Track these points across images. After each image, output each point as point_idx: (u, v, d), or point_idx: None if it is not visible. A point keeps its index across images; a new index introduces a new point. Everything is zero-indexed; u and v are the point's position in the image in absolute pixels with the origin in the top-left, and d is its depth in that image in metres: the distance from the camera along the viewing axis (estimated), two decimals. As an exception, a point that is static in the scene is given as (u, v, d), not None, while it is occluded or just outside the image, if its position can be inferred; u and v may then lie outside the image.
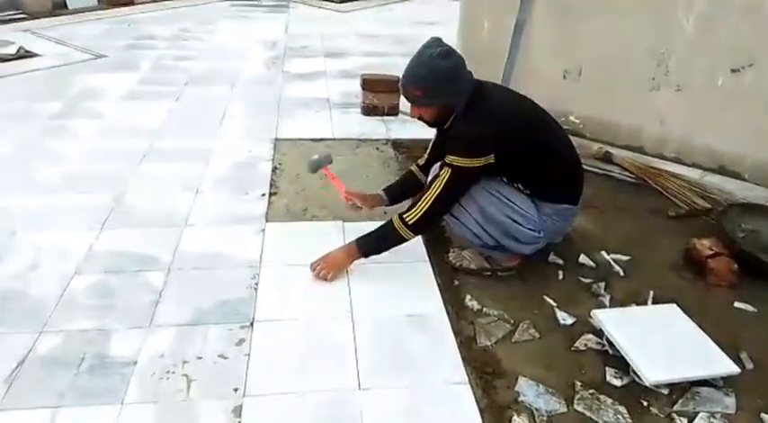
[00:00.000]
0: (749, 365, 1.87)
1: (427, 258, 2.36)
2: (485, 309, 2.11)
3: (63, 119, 3.68)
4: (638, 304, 2.14)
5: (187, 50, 5.24)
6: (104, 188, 2.84)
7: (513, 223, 2.12)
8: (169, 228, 2.54)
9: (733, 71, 2.86)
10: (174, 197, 2.79)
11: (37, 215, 2.61)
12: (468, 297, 2.17)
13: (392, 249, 2.19)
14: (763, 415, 1.69)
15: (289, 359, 1.86)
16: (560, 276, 2.30)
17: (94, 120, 3.67)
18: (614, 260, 2.39)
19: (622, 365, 1.83)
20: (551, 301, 2.15)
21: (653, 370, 1.75)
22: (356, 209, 2.49)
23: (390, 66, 4.53)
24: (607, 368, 1.84)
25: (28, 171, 3.01)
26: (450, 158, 2.03)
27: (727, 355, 1.82)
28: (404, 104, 3.85)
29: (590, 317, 2.01)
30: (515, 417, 1.66)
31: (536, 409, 1.69)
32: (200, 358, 1.85)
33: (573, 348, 1.94)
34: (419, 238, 2.36)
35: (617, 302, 2.15)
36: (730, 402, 1.73)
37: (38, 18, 6.16)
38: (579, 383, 1.79)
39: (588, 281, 2.27)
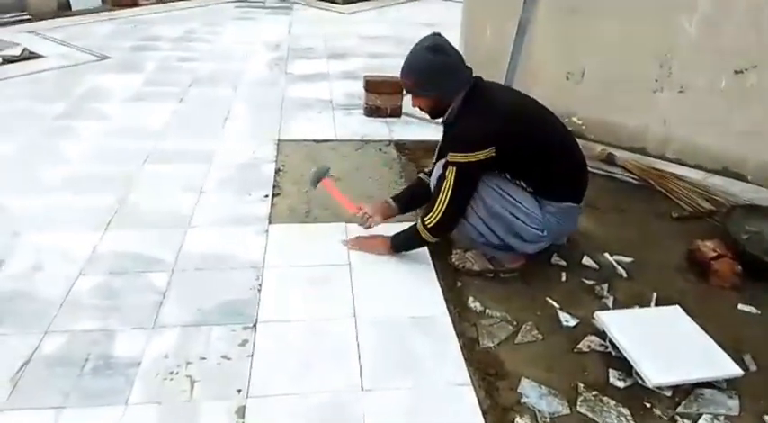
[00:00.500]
0: (752, 367, 1.87)
1: (430, 260, 2.36)
2: (488, 310, 2.11)
3: (67, 120, 3.69)
4: (641, 306, 2.14)
5: (191, 52, 5.25)
6: (108, 189, 2.85)
7: (516, 220, 2.13)
8: (173, 229, 2.55)
9: (736, 73, 2.85)
10: (177, 198, 2.80)
11: (41, 216, 2.62)
12: (471, 298, 2.17)
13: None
14: (766, 417, 1.69)
15: (291, 360, 1.86)
16: (563, 278, 2.30)
17: (99, 121, 3.68)
18: (617, 262, 2.39)
19: (625, 367, 1.83)
20: (554, 303, 2.15)
21: (656, 372, 1.75)
22: (368, 220, 2.40)
23: (393, 67, 4.49)
24: (610, 370, 1.84)
25: (32, 172, 3.02)
26: (451, 156, 2.06)
27: (731, 357, 1.81)
28: (407, 106, 3.86)
29: (593, 318, 2.01)
30: (518, 418, 1.67)
31: (539, 411, 1.69)
32: (204, 359, 1.85)
33: (576, 350, 1.94)
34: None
35: (620, 304, 2.15)
36: (733, 404, 1.72)
37: (43, 19, 6.17)
38: (582, 385, 1.79)
39: (591, 282, 2.26)
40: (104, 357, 1.85)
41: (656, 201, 2.87)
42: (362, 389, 1.76)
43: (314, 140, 3.51)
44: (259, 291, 2.17)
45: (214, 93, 4.27)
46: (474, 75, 2.15)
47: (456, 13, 4.19)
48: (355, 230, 2.49)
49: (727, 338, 1.92)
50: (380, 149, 3.43)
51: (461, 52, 2.16)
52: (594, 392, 1.76)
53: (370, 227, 2.42)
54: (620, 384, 1.79)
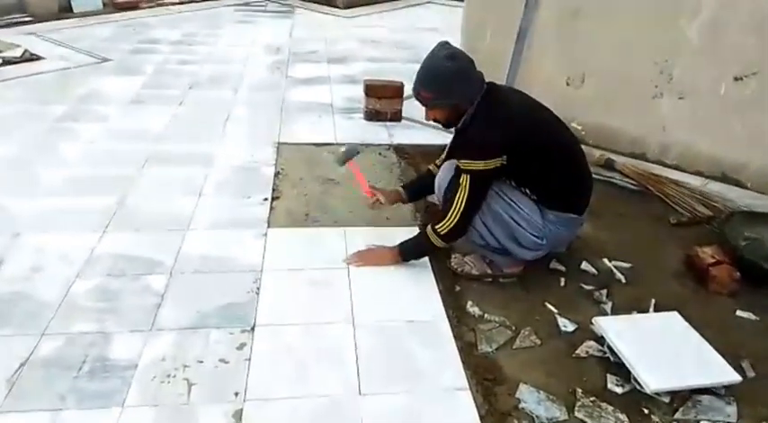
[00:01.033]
0: (750, 374, 1.87)
1: (429, 264, 2.36)
2: (486, 315, 2.11)
3: (67, 122, 3.69)
4: (639, 312, 2.14)
5: (192, 55, 5.26)
6: (107, 191, 2.85)
7: (517, 226, 2.13)
8: (171, 231, 2.55)
9: (736, 80, 2.86)
10: (176, 201, 2.80)
11: (40, 217, 2.62)
12: (470, 303, 2.17)
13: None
14: (764, 424, 1.69)
15: (289, 364, 1.86)
16: (562, 283, 2.30)
17: (98, 123, 3.68)
18: (616, 267, 2.39)
19: (623, 373, 1.82)
20: (553, 308, 2.15)
21: (654, 378, 1.74)
22: (376, 204, 2.50)
23: (394, 71, 4.55)
24: (608, 375, 1.84)
25: (32, 173, 3.02)
26: (464, 164, 2.06)
27: (729, 363, 1.81)
28: (406, 111, 3.87)
29: (591, 324, 2.01)
30: (516, 423, 1.66)
31: (537, 416, 1.69)
32: (201, 362, 1.85)
33: (574, 355, 1.94)
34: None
35: (618, 310, 2.15)
36: (732, 411, 1.72)
37: (43, 21, 6.17)
38: (580, 390, 1.79)
39: (590, 288, 2.26)
40: (101, 360, 1.85)
41: (655, 206, 2.88)
42: (360, 393, 1.76)
43: (314, 144, 3.51)
44: (257, 294, 2.17)
45: (214, 96, 4.27)
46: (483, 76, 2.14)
47: (456, 17, 4.20)
48: (352, 240, 2.49)
49: (726, 345, 1.91)
50: (380, 153, 3.43)
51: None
52: (592, 398, 1.76)
53: (373, 207, 2.53)
54: (619, 390, 1.79)
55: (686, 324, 1.98)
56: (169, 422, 1.64)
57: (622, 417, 1.69)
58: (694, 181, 3.06)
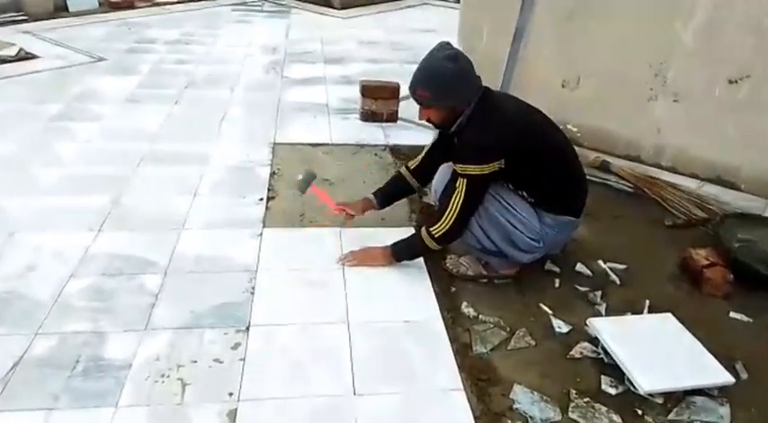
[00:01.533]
0: (744, 375, 1.88)
1: (424, 265, 2.36)
2: (481, 316, 2.11)
3: (62, 121, 3.67)
4: (633, 313, 2.14)
5: (187, 54, 5.24)
6: (102, 190, 2.84)
7: (513, 229, 2.13)
8: (166, 231, 2.54)
9: (730, 82, 2.87)
10: (171, 200, 2.80)
11: (35, 216, 2.61)
12: (465, 304, 2.17)
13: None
14: (757, 425, 1.69)
15: (284, 364, 1.86)
16: (557, 284, 2.30)
17: (94, 122, 3.67)
18: (611, 269, 2.39)
19: (617, 374, 1.83)
20: (547, 309, 2.15)
21: (648, 379, 1.75)
22: (350, 217, 2.53)
23: (390, 72, 4.56)
24: (602, 376, 1.85)
25: (27, 172, 3.01)
26: (461, 168, 2.06)
27: (722, 364, 1.82)
28: (403, 111, 3.87)
29: (586, 325, 2.01)
30: (510, 424, 1.67)
31: (531, 417, 1.70)
32: (195, 362, 1.85)
33: (568, 356, 1.94)
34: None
35: (613, 311, 2.16)
36: (725, 412, 1.73)
37: (39, 20, 6.15)
38: (574, 391, 1.79)
39: (584, 289, 2.27)
40: (95, 359, 1.84)
41: (650, 208, 2.88)
42: (355, 393, 1.76)
43: (309, 144, 3.51)
44: (252, 294, 2.17)
45: (210, 95, 4.26)
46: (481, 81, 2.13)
47: (453, 18, 4.21)
48: (347, 241, 2.49)
49: (719, 346, 1.92)
50: (376, 154, 3.43)
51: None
52: (586, 399, 1.76)
53: (347, 220, 2.55)
54: (612, 391, 1.79)
55: (680, 325, 1.99)
56: (163, 422, 1.64)
57: (616, 418, 1.70)
58: (689, 183, 3.07)
